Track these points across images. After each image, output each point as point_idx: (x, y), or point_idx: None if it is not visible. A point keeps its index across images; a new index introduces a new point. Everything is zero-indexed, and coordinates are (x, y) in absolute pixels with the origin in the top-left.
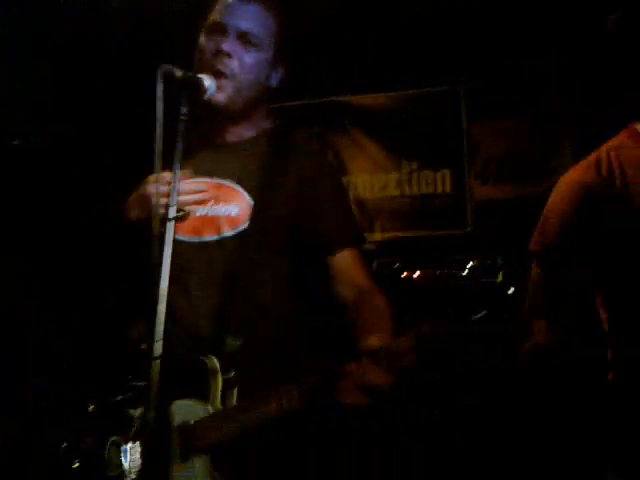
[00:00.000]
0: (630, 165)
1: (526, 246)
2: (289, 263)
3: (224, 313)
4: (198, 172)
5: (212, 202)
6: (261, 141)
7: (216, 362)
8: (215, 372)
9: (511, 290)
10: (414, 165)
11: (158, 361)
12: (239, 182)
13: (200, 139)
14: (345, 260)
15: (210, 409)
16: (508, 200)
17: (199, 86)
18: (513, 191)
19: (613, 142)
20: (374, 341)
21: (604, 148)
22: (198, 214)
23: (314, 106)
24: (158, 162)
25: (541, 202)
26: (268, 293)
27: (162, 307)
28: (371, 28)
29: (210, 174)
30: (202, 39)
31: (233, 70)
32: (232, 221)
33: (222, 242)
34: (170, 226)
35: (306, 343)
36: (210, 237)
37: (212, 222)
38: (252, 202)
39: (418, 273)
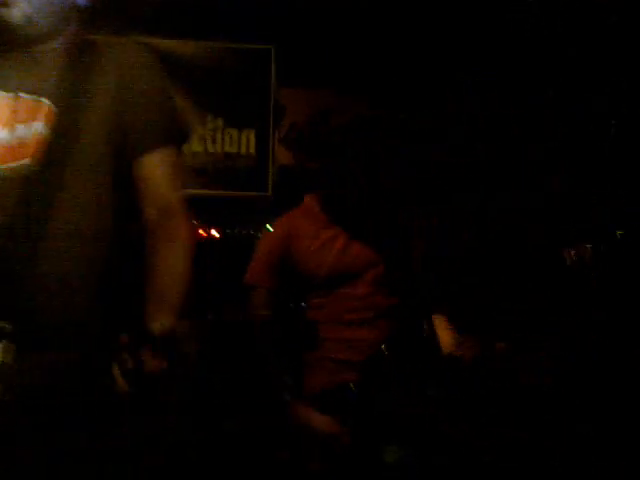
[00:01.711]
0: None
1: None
2: (110, 181)
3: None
4: None
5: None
6: (70, 49)
7: None
8: None
9: None
10: (220, 122)
11: None
12: (41, 93)
13: None
14: (152, 163)
15: None
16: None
17: None
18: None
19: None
20: (156, 326)
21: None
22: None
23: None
24: None
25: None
26: (76, 219)
27: None
28: None
29: (5, 87)
30: None
31: None
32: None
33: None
34: None
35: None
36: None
37: (18, 147)
38: (56, 110)
39: (216, 232)
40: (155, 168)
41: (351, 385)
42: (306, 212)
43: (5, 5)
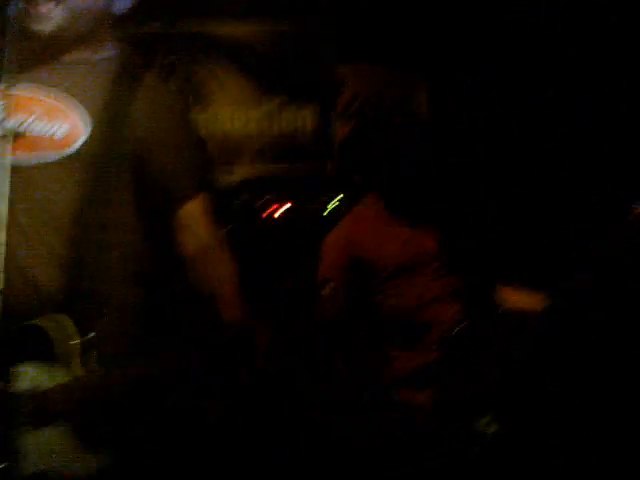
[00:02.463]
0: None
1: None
2: (134, 200)
3: (68, 261)
4: (21, 81)
5: (34, 117)
6: (104, 65)
7: (68, 322)
8: (68, 333)
9: None
10: (277, 101)
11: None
12: (73, 101)
13: (29, 53)
14: (190, 210)
15: (64, 374)
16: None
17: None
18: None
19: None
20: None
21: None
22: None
23: (172, 33)
24: None
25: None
26: (116, 236)
27: (2, 234)
28: None
29: (37, 86)
30: None
31: None
32: (54, 143)
33: (44, 166)
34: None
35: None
36: (24, 158)
37: (28, 140)
38: (86, 125)
39: (279, 210)
40: (192, 213)
41: (433, 365)
42: (366, 212)
43: (39, 13)
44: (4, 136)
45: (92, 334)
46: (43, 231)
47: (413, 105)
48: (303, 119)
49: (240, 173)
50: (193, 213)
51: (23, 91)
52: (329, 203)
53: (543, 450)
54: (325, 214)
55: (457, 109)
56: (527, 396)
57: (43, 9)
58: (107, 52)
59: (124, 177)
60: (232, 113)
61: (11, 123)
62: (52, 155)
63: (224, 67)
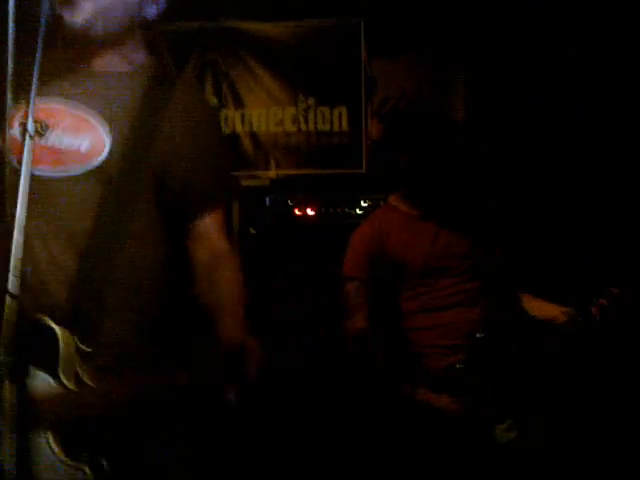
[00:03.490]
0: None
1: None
2: (155, 213)
3: (79, 276)
4: (51, 93)
5: (59, 130)
6: (134, 76)
7: (69, 334)
8: (69, 344)
9: None
10: (311, 101)
11: (14, 301)
12: (100, 114)
13: (58, 61)
14: (206, 223)
15: (59, 384)
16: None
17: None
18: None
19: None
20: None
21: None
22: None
23: (208, 31)
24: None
25: None
26: (132, 249)
27: (19, 238)
28: None
29: (65, 98)
30: None
31: None
32: (79, 156)
33: (66, 179)
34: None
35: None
36: (48, 171)
37: (52, 153)
38: (110, 138)
39: (312, 211)
40: (209, 226)
41: (457, 366)
42: (395, 209)
43: (69, 7)
44: (29, 139)
45: (89, 350)
46: (57, 240)
47: (449, 102)
48: (337, 118)
49: (273, 172)
50: (210, 222)
51: (52, 103)
52: (361, 203)
53: (560, 459)
54: (357, 214)
55: (496, 107)
56: (548, 404)
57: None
58: (138, 61)
59: (146, 191)
60: (266, 112)
61: (38, 132)
62: (77, 168)
63: (259, 65)
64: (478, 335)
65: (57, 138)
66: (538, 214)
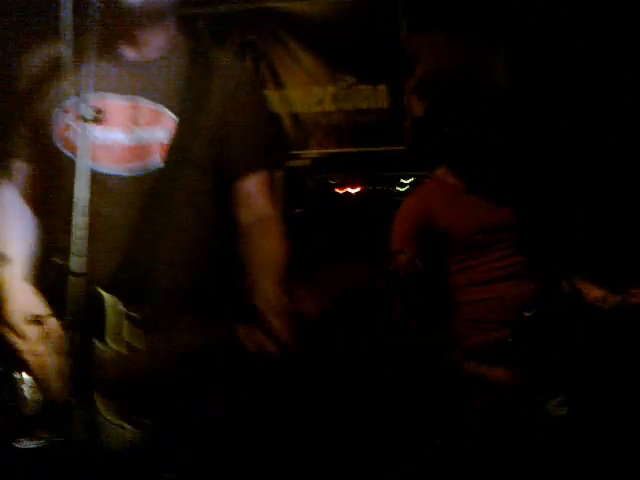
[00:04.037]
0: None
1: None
2: (212, 185)
3: (131, 243)
4: (107, 89)
5: (132, 126)
6: (180, 56)
7: (116, 300)
8: (117, 310)
9: None
10: (351, 79)
11: (81, 279)
12: (161, 101)
13: (107, 54)
14: (250, 185)
15: (108, 348)
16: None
17: None
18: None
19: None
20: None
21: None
22: (119, 141)
23: (247, 12)
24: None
25: None
26: (190, 218)
27: (82, 220)
28: None
29: (124, 92)
30: None
31: None
32: (162, 148)
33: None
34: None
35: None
36: (136, 169)
37: (137, 150)
38: (174, 121)
39: (354, 189)
40: (254, 187)
41: (509, 339)
42: (442, 182)
43: None
44: (89, 120)
45: (136, 315)
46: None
47: (492, 77)
48: (377, 96)
49: (314, 151)
50: (254, 188)
51: (116, 100)
52: (402, 180)
53: (610, 436)
54: (398, 192)
55: (540, 82)
56: (596, 382)
57: None
58: (179, 41)
59: (202, 164)
60: (306, 91)
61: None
62: (158, 161)
63: (297, 45)
64: (527, 313)
65: (133, 136)
66: (543, 204)
